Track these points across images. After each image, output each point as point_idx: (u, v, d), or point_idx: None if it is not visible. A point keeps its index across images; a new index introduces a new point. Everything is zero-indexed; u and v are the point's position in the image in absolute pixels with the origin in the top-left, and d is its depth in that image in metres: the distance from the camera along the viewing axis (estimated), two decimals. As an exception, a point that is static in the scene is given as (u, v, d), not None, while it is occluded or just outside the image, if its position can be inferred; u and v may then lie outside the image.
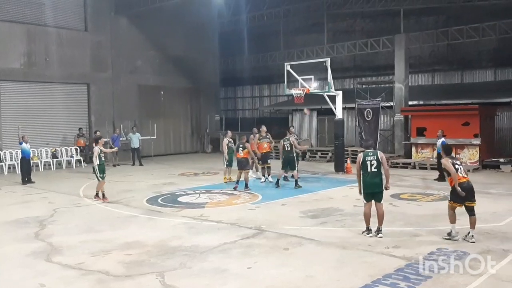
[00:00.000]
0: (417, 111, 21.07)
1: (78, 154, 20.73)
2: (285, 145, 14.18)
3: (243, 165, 13.87)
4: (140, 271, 6.83)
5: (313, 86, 17.71)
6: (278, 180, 14.32)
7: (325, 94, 17.35)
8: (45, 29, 20.90)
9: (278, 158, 16.01)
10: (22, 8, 20.42)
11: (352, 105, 21.86)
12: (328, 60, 16.83)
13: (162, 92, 25.25)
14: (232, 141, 15.78)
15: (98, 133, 19.40)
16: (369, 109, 20.97)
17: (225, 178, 15.33)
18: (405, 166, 18.92)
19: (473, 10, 20.66)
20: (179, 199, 12.61)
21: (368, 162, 8.35)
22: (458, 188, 7.82)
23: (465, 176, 8.08)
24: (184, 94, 26.71)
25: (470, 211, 8.01)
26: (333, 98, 17.57)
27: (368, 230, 8.47)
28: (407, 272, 6.50)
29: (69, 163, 20.48)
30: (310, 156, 22.36)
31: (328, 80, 16.86)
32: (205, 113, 27.62)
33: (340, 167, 17.52)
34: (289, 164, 14.13)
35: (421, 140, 19.63)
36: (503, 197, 12.38)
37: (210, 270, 6.81)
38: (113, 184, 14.61)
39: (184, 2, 22.80)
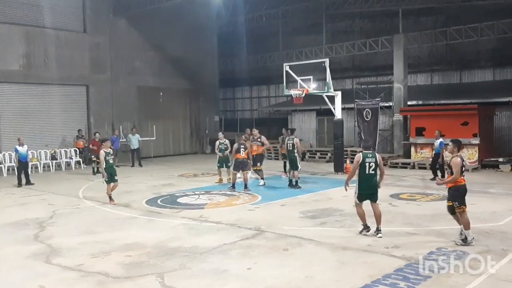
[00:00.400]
0: (416, 111, 21.10)
1: (77, 155, 20.69)
2: (288, 145, 14.15)
3: (244, 165, 13.84)
4: (140, 272, 6.83)
5: (312, 86, 17.74)
6: (297, 181, 14.09)
7: (324, 95, 17.35)
8: (43, 30, 20.85)
9: (278, 159, 15.93)
10: (21, 10, 20.35)
11: (351, 105, 21.84)
12: (327, 60, 16.79)
13: (161, 93, 25.17)
14: (224, 143, 15.42)
15: (97, 135, 19.45)
16: (368, 109, 20.94)
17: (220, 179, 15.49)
18: (404, 166, 18.94)
19: (471, 10, 20.70)
20: (179, 200, 12.61)
21: (367, 164, 8.33)
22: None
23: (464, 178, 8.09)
24: (183, 95, 26.67)
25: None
26: (332, 99, 17.56)
27: (366, 227, 8.46)
28: (407, 272, 6.50)
29: (68, 164, 20.45)
30: (309, 157, 22.34)
31: (327, 81, 16.81)
32: (204, 114, 27.59)
33: (339, 168, 17.54)
34: (292, 164, 14.12)
35: (420, 140, 19.66)
36: (502, 196, 12.40)
37: (210, 271, 6.81)
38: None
39: (182, 3, 22.74)
